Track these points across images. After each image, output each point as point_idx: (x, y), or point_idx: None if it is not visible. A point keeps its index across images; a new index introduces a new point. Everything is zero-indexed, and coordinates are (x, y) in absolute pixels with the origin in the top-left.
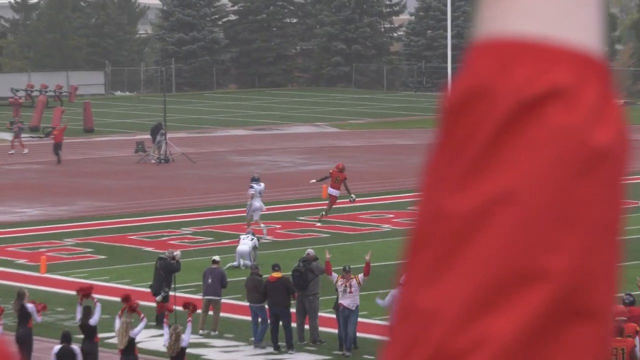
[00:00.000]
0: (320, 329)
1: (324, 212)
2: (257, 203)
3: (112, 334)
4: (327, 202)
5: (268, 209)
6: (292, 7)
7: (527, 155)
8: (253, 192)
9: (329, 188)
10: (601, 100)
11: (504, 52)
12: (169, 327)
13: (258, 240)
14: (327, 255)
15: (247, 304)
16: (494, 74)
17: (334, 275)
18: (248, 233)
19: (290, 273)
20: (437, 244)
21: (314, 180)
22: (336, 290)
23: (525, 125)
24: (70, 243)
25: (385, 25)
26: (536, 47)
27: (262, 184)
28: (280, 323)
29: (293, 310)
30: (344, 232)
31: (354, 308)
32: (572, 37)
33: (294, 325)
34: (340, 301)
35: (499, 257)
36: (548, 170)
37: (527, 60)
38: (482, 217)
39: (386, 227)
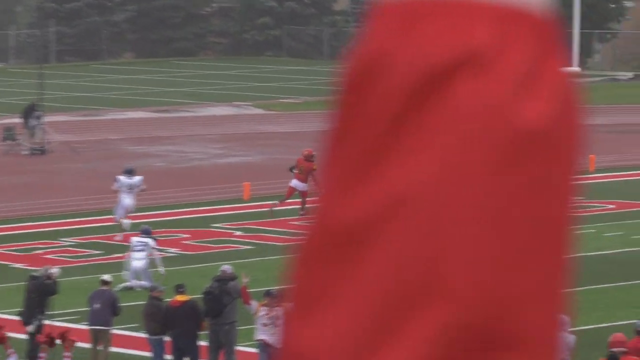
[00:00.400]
0: None
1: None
2: (128, 200)
3: None
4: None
5: (173, 214)
6: None
7: (432, 143)
8: (117, 186)
9: (293, 180)
10: (534, 67)
11: (408, 10)
12: None
13: (155, 240)
14: (244, 279)
15: (145, 335)
16: (395, 40)
17: (253, 303)
18: (140, 240)
19: (201, 295)
20: (324, 264)
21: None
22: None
23: (431, 103)
24: None
25: None
26: (449, 1)
27: (137, 177)
28: None
29: (204, 343)
30: (271, 243)
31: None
32: None
33: None
34: (261, 336)
35: (391, 277)
36: (460, 160)
37: (436, 19)
38: (374, 227)
39: None
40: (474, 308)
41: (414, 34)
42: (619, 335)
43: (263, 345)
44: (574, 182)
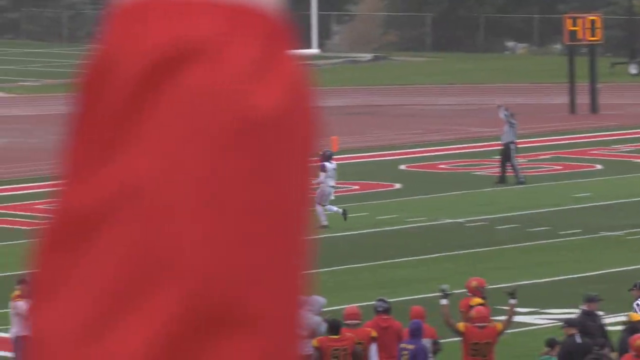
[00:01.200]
0: None
1: None
2: None
3: None
4: None
5: None
6: None
7: (161, 132)
8: None
9: None
10: (265, 58)
11: (136, 10)
12: None
13: None
14: None
15: None
16: (125, 34)
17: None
18: None
19: None
20: (62, 249)
21: None
22: None
23: (159, 94)
24: None
25: None
26: (175, 1)
27: None
28: None
29: None
30: (17, 227)
31: None
32: None
33: None
34: (18, 331)
35: (121, 263)
36: (188, 148)
37: (160, 17)
38: (106, 214)
39: None
40: (204, 290)
41: (142, 29)
42: (352, 308)
43: (20, 340)
44: (309, 166)
